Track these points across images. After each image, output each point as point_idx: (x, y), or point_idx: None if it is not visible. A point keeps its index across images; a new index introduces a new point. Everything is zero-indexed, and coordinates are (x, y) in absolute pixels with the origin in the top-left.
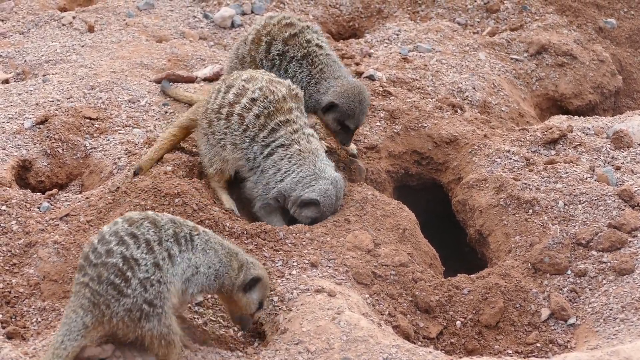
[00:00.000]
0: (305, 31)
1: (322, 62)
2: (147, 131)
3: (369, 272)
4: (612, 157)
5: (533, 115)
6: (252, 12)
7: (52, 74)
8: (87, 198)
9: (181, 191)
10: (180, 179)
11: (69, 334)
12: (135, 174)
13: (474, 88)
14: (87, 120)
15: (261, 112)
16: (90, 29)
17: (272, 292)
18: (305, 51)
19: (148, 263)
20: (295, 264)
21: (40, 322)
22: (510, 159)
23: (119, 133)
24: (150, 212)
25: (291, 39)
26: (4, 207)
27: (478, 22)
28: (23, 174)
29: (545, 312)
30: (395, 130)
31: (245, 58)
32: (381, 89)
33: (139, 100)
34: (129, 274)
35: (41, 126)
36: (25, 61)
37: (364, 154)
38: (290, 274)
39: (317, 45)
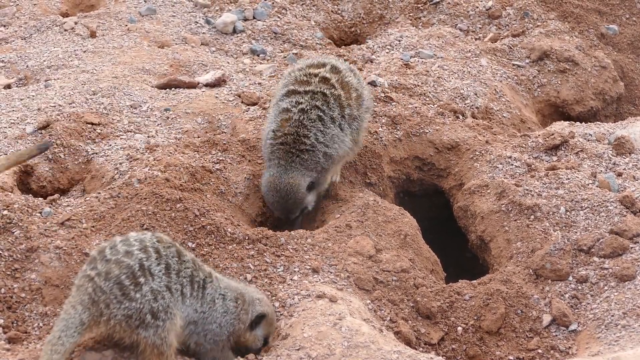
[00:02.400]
0: None
1: None
2: (148, 136)
3: (371, 277)
4: (614, 164)
5: (535, 121)
6: (254, 17)
7: (54, 79)
8: (88, 203)
9: (183, 197)
10: (182, 185)
11: (66, 330)
12: None
13: (475, 94)
14: (89, 126)
15: None
16: (92, 35)
17: (273, 298)
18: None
19: (162, 283)
20: (296, 269)
21: (41, 327)
22: (512, 164)
23: (121, 138)
24: (177, 243)
25: None
26: (5, 212)
27: (480, 28)
28: (25, 179)
29: (546, 318)
30: (396, 136)
31: None
32: (383, 95)
33: (140, 106)
34: (141, 279)
35: (43, 131)
36: (27, 66)
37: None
38: (291, 279)
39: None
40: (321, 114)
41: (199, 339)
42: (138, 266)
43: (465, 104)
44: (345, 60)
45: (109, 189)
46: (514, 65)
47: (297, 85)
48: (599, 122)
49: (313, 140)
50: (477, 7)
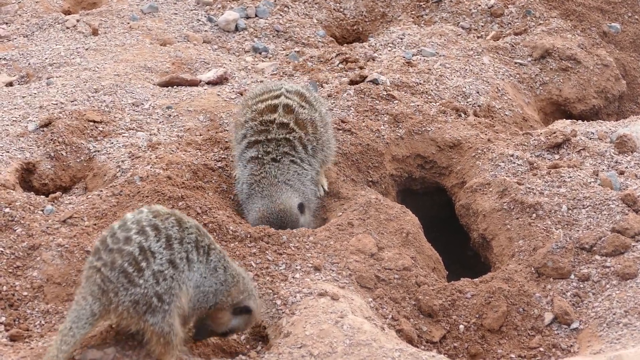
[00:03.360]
0: None
1: None
2: (150, 134)
3: (372, 275)
4: (616, 162)
5: (537, 119)
6: (256, 15)
7: (56, 77)
8: (90, 201)
9: (185, 194)
10: (184, 182)
11: (78, 321)
12: None
13: (477, 92)
14: (91, 123)
15: None
16: (94, 32)
17: (275, 296)
18: None
19: (164, 258)
20: (298, 267)
21: (43, 324)
22: (514, 163)
23: (123, 136)
24: (177, 211)
25: None
26: (7, 210)
27: (482, 26)
28: (27, 177)
29: (548, 317)
30: (398, 134)
31: None
32: (385, 93)
33: (142, 104)
34: (143, 264)
35: (45, 129)
36: (29, 64)
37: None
38: (293, 277)
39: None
40: (292, 158)
41: (192, 303)
42: (138, 251)
43: (467, 102)
44: (347, 58)
45: (110, 186)
46: (516, 63)
47: (257, 135)
48: (601, 121)
49: (293, 175)
50: (480, 5)
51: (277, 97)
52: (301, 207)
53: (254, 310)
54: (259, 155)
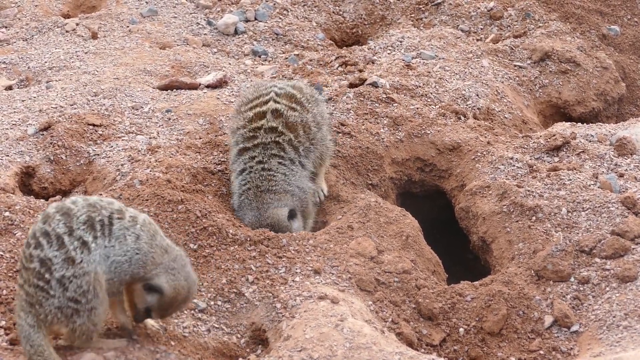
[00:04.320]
0: None
1: None
2: (150, 138)
3: (372, 279)
4: (616, 164)
5: (536, 122)
6: (256, 19)
7: (56, 80)
8: None
9: (184, 198)
10: (184, 186)
11: (25, 340)
12: None
13: (477, 95)
14: (91, 127)
15: None
16: (94, 36)
17: (275, 299)
18: None
19: (59, 260)
20: (298, 270)
21: None
22: (514, 165)
23: (122, 140)
24: (69, 200)
25: None
26: (7, 213)
27: (481, 29)
28: (26, 181)
29: (548, 319)
30: (398, 137)
31: None
32: (384, 96)
33: (142, 107)
34: (47, 275)
35: (44, 133)
36: (28, 68)
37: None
38: (293, 280)
39: None
40: (281, 160)
41: (110, 274)
42: (39, 265)
43: (466, 105)
44: (346, 61)
45: (110, 190)
46: (515, 66)
47: (246, 142)
48: (600, 123)
49: (280, 178)
50: (479, 8)
51: (266, 102)
52: (291, 213)
53: (167, 292)
54: (246, 163)
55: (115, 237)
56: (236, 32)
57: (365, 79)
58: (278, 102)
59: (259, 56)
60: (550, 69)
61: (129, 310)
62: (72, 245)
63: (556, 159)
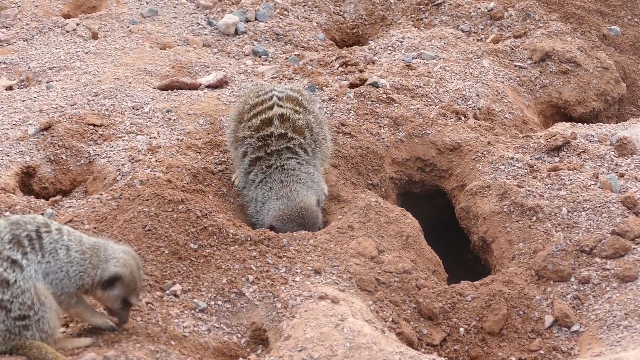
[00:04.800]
0: None
1: None
2: (150, 138)
3: (373, 278)
4: (616, 164)
5: (537, 122)
6: (256, 19)
7: (56, 80)
8: (90, 204)
9: (185, 198)
10: (184, 186)
11: None
12: None
13: (477, 95)
14: (91, 127)
15: None
16: (94, 36)
17: (275, 299)
18: None
19: None
20: (298, 270)
21: None
22: (514, 165)
23: (123, 140)
24: None
25: None
26: (7, 214)
27: (482, 29)
28: (27, 181)
29: (548, 319)
30: (398, 137)
31: None
32: (385, 96)
33: (142, 107)
34: None
35: (45, 133)
36: (29, 68)
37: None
38: (293, 280)
39: None
40: (298, 160)
41: (53, 289)
42: None
43: (467, 105)
44: (347, 61)
45: (111, 190)
46: (516, 66)
47: (257, 152)
48: (600, 123)
49: (304, 176)
50: (479, 9)
51: (271, 108)
52: (318, 203)
53: (120, 272)
54: (265, 172)
55: (48, 251)
56: (236, 32)
57: (366, 79)
58: (282, 107)
59: (260, 56)
60: (551, 69)
61: (110, 317)
62: (1, 267)
63: (556, 159)
